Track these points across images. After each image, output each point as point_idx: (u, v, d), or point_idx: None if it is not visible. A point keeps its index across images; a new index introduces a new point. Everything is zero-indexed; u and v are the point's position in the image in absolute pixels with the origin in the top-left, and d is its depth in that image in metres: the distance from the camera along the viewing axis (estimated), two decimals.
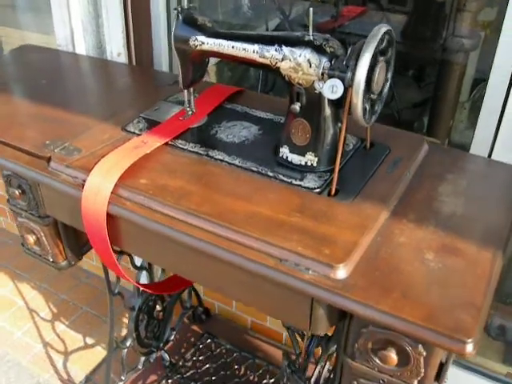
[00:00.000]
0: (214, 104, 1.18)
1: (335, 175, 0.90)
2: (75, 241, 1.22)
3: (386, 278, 0.78)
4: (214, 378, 1.63)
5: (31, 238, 1.22)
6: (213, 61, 2.05)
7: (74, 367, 1.89)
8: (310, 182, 0.93)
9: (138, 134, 1.09)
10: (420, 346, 0.76)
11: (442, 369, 0.81)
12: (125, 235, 0.98)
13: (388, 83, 0.92)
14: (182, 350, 1.73)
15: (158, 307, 1.62)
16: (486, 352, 1.69)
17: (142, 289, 1.41)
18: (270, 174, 0.96)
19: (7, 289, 2.23)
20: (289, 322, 0.88)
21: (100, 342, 1.98)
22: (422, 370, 0.79)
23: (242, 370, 1.65)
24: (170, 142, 1.06)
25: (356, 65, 0.80)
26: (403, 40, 1.87)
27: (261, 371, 1.64)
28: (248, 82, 2.30)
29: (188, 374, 1.65)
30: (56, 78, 1.40)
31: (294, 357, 1.20)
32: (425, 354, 0.77)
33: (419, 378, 0.80)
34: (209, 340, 1.76)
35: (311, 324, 0.82)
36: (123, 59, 1.53)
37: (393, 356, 0.79)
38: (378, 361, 0.82)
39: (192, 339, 1.78)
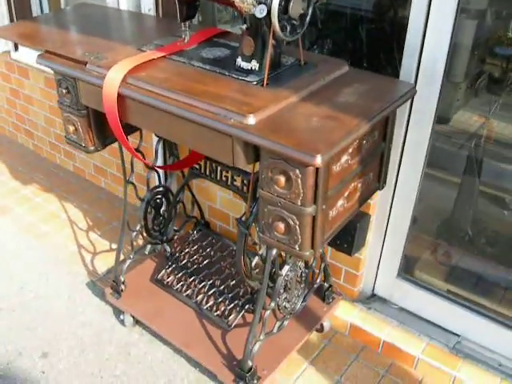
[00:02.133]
0: (205, 37, 1.65)
1: (266, 71, 1.35)
2: (101, 132, 1.72)
3: (280, 126, 1.22)
4: (200, 265, 2.09)
5: (71, 128, 1.72)
6: None
7: (99, 263, 2.39)
8: (251, 78, 1.38)
9: None
10: (297, 170, 1.19)
11: (316, 192, 1.23)
12: (128, 109, 1.46)
13: (309, 14, 1.36)
14: (178, 247, 2.20)
15: (164, 207, 2.10)
16: (433, 273, 2.07)
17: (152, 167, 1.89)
18: (226, 73, 1.42)
19: (54, 206, 2.77)
20: (220, 158, 1.33)
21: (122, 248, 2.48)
22: (302, 191, 1.22)
23: (223, 257, 2.13)
24: (167, 56, 1.53)
25: None
26: None
27: None
28: None
29: (182, 263, 2.11)
30: (101, 22, 1.91)
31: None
32: (300, 176, 1.20)
33: (301, 198, 1.23)
34: (200, 232, 2.25)
35: (234, 158, 1.27)
36: (152, 13, 2.04)
37: (281, 179, 1.22)
38: (275, 186, 1.25)
39: (188, 238, 2.25)
